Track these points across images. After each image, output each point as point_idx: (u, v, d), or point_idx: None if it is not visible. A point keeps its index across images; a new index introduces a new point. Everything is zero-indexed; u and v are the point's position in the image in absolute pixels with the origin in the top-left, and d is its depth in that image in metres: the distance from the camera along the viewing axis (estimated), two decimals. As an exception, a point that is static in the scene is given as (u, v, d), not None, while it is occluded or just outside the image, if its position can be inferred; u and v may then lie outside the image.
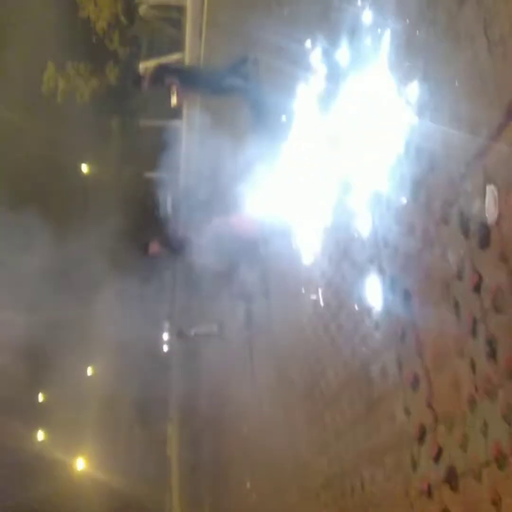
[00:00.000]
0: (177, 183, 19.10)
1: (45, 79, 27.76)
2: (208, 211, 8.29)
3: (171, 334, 27.41)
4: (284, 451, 6.28)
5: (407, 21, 2.99)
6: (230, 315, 10.21)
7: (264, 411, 7.70)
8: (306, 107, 5.28)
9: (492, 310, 2.17)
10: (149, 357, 25.63)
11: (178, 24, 22.19)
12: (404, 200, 3.02)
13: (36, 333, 20.62)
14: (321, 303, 4.77)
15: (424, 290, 2.79)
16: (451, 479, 2.51)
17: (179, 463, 25.92)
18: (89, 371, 30.87)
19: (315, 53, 4.92)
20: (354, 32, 3.85)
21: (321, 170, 4.76)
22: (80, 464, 30.03)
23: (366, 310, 3.61)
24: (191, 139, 17.23)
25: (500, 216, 2.13)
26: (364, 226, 3.67)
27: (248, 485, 9.01)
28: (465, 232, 2.36)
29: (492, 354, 2.16)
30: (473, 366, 2.30)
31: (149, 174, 22.92)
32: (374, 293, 3.48)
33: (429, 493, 2.74)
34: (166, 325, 28.06)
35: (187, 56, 19.31)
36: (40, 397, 30.50)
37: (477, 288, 2.28)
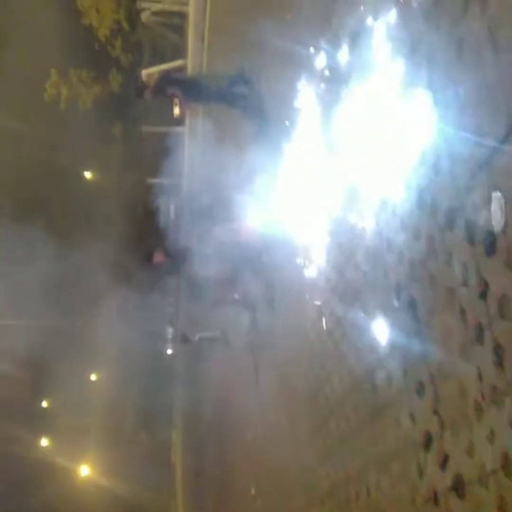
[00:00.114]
0: (179, 189, 19.13)
1: (47, 86, 27.84)
2: (211, 218, 8.30)
3: (175, 340, 27.40)
4: (289, 457, 6.26)
5: (410, 27, 2.99)
6: (234, 321, 10.20)
7: (268, 417, 7.68)
8: (308, 113, 5.29)
9: (498, 317, 2.17)
10: (153, 363, 25.63)
11: (180, 30, 22.28)
12: (409, 207, 3.01)
13: (40, 341, 20.63)
14: (325, 309, 4.77)
15: (429, 296, 2.79)
16: (458, 486, 2.50)
17: (183, 469, 25.88)
18: (93, 377, 30.90)
19: (317, 59, 4.93)
20: (357, 38, 3.86)
21: (324, 177, 4.76)
22: (84, 470, 29.99)
23: (371, 316, 3.61)
24: (194, 145, 17.26)
25: (506, 224, 2.12)
26: (368, 232, 3.67)
27: (252, 490, 8.98)
28: (471, 239, 2.36)
29: (499, 362, 2.15)
30: (479, 373, 2.29)
31: (152, 180, 22.97)
32: (378, 299, 3.47)
33: (435, 500, 2.72)
34: (170, 331, 28.06)
35: (189, 62, 19.37)
36: (44, 404, 30.52)
37: (483, 295, 2.27)
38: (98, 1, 27.06)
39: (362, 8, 3.77)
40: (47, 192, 26.80)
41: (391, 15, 3.28)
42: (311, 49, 5.05)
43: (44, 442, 30.21)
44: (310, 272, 5.26)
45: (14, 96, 25.73)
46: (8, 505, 22.71)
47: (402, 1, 3.13)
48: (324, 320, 4.80)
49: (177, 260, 8.52)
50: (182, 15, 20.70)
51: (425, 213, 2.81)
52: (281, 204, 6.33)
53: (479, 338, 2.29)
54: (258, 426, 8.38)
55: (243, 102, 7.19)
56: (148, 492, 27.50)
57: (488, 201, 2.24)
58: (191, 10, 18.59)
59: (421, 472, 2.89)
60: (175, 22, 22.07)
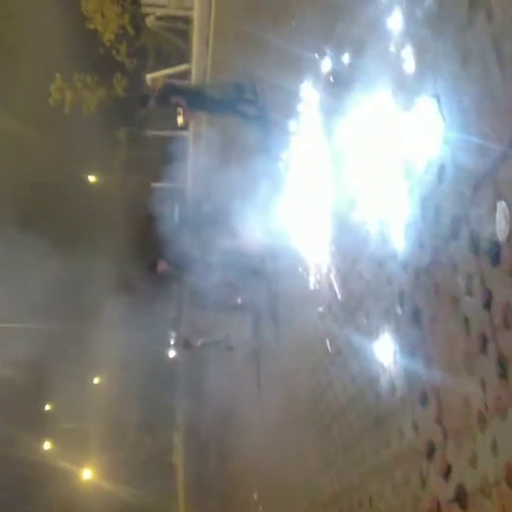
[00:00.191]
0: (183, 195, 19.15)
1: (52, 90, 27.90)
2: (214, 225, 8.31)
3: (177, 345, 27.42)
4: (292, 463, 6.24)
5: (416, 36, 2.99)
6: (237, 328, 10.20)
7: (271, 423, 7.66)
8: (312, 120, 5.29)
9: (503, 328, 2.16)
10: (156, 367, 25.64)
11: (185, 35, 22.33)
12: (413, 215, 3.01)
13: (43, 344, 20.67)
14: (328, 316, 4.76)
15: (433, 305, 2.77)
16: (460, 497, 2.48)
17: (185, 473, 25.85)
18: (96, 380, 30.94)
19: (321, 65, 4.92)
20: (361, 45, 3.85)
21: (328, 184, 4.76)
22: (86, 473, 29.97)
23: (374, 325, 3.60)
24: (197, 151, 17.28)
25: (511, 233, 2.11)
26: (371, 240, 3.66)
27: (255, 496, 8.96)
28: (475, 248, 2.35)
29: (503, 373, 2.14)
30: (483, 383, 2.28)
31: (156, 185, 23.00)
32: (382, 307, 3.46)
33: (438, 510, 2.71)
34: (173, 335, 28.07)
35: (194, 66, 19.43)
36: (47, 407, 30.55)
37: (487, 304, 2.26)
38: (103, 6, 27.13)
39: (366, 15, 3.77)
40: (51, 196, 26.86)
41: (395, 24, 3.27)
42: (316, 56, 5.05)
43: (47, 445, 30.21)
44: (313, 280, 5.25)
45: (19, 101, 25.82)
46: (10, 508, 22.71)
47: (406, 9, 3.13)
48: (327, 327, 4.79)
49: (180, 268, 8.55)
50: (187, 20, 20.75)
51: (429, 222, 2.80)
52: (284, 212, 6.33)
53: (483, 348, 2.28)
54: (260, 431, 8.36)
55: (247, 109, 7.20)
56: (150, 495, 27.50)
57: (492, 210, 2.23)
58: (195, 15, 18.64)
59: (423, 482, 2.87)
60: (179, 27, 22.11)
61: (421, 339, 2.90)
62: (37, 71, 26.34)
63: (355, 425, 4.02)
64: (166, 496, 29.44)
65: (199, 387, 17.63)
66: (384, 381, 3.43)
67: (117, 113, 28.43)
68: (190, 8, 19.40)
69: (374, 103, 3.60)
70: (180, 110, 7.21)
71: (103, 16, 27.24)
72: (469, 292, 2.39)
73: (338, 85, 4.48)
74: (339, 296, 4.48)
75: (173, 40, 24.05)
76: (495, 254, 2.21)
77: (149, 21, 22.23)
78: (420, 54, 2.94)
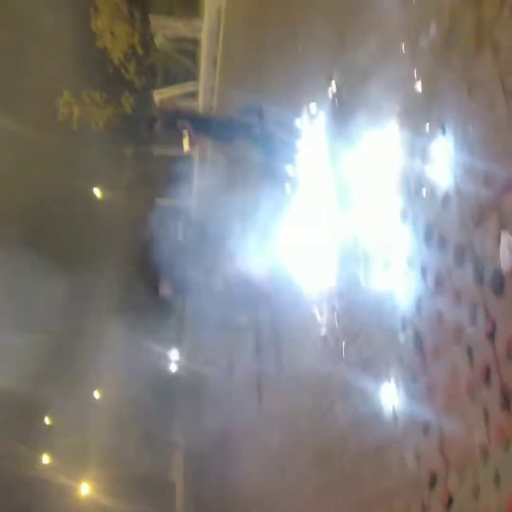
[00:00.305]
0: (188, 215, 19.22)
1: (60, 105, 28.12)
2: (216, 250, 8.33)
3: (179, 362, 27.39)
4: (291, 487, 6.18)
5: (421, 66, 3.01)
6: (239, 347, 10.16)
7: (269, 446, 7.60)
8: (316, 147, 5.30)
9: (506, 359, 2.14)
10: (157, 385, 25.57)
11: (193, 56, 22.54)
12: (417, 242, 3.00)
13: (44, 358, 20.65)
14: (330, 340, 4.73)
15: (436, 333, 2.76)
16: (462, 529, 2.45)
17: (184, 491, 25.64)
18: (97, 395, 30.83)
19: (327, 91, 4.95)
20: (367, 73, 3.88)
21: (332, 210, 4.76)
22: (85, 488, 29.72)
23: (376, 352, 3.57)
24: (203, 173, 17.38)
25: (514, 264, 2.11)
26: (375, 268, 3.65)
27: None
28: (479, 277, 2.34)
29: (506, 404, 2.12)
30: (486, 415, 2.26)
31: (161, 202, 23.08)
32: (384, 335, 3.45)
33: (439, 541, 2.68)
34: (175, 353, 28.04)
35: (201, 86, 19.60)
36: (47, 421, 30.43)
37: (491, 335, 2.25)
38: (112, 24, 27.42)
39: (372, 42, 3.80)
40: (56, 211, 26.96)
41: (401, 52, 3.29)
42: (321, 80, 5.08)
43: (45, 459, 30.02)
44: (315, 305, 5.22)
45: (27, 116, 26.01)
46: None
47: (413, 37, 3.15)
48: (328, 353, 4.76)
49: (183, 291, 8.60)
50: (195, 41, 20.96)
51: (433, 250, 2.80)
52: (288, 236, 6.33)
53: (486, 379, 2.26)
54: (260, 458, 8.29)
55: (253, 132, 7.24)
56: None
57: (496, 239, 2.23)
58: (203, 36, 18.86)
59: (425, 512, 2.84)
60: (188, 48, 22.32)
61: (423, 368, 2.88)
62: (46, 86, 26.56)
63: (356, 451, 3.98)
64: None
65: (199, 407, 17.55)
66: (386, 409, 3.40)
67: (125, 129, 28.62)
68: (199, 29, 19.61)
69: (379, 129, 3.62)
70: (185, 135, 7.27)
71: (112, 34, 27.52)
72: (473, 322, 2.38)
73: (343, 110, 4.50)
74: (340, 322, 4.46)
75: (182, 60, 24.25)
76: (499, 284, 2.20)
77: (158, 40, 22.43)
78: (426, 82, 2.95)
